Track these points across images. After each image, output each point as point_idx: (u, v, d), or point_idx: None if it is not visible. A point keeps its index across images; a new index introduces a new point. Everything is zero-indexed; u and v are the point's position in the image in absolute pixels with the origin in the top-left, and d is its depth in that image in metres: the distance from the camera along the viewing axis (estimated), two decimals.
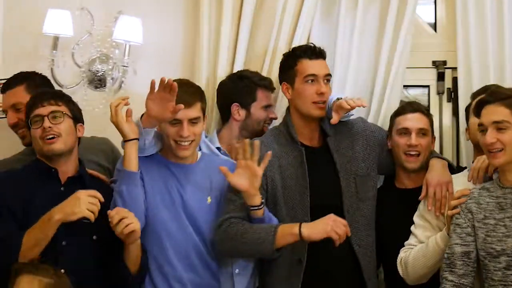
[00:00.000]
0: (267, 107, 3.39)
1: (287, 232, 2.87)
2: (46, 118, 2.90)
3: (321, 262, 3.00)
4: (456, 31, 3.60)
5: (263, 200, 2.93)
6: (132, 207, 2.85)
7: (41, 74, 3.43)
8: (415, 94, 4.52)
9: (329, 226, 2.84)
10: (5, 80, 3.42)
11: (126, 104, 2.90)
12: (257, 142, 2.93)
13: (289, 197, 3.05)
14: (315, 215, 2.95)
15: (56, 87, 3.57)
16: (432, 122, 3.24)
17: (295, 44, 3.46)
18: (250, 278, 3.14)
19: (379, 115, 3.53)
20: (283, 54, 3.25)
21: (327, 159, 3.13)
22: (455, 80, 3.75)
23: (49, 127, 2.89)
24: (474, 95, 3.15)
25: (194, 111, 2.97)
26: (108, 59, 3.68)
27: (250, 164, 2.88)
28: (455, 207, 2.80)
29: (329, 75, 3.17)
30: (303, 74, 3.10)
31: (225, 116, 3.43)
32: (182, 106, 2.87)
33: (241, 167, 2.90)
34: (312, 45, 3.18)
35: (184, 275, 2.97)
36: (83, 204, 2.74)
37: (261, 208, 2.92)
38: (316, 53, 3.14)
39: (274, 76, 3.40)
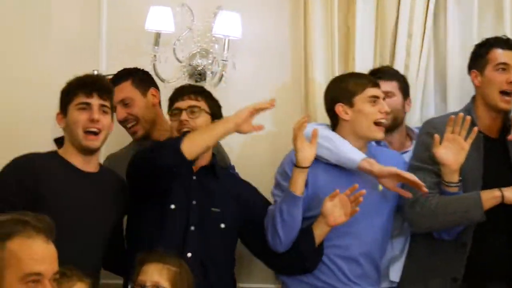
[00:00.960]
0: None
1: (489, 197, 2.92)
2: (184, 111, 2.99)
3: (486, 247, 2.99)
4: None
5: (460, 178, 2.95)
6: (290, 226, 2.92)
7: (143, 69, 3.52)
8: None
9: None
10: (112, 76, 3.50)
11: (304, 121, 2.88)
12: (468, 117, 2.94)
13: (462, 183, 3.01)
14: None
15: (158, 82, 3.65)
16: None
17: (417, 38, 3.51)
18: (402, 263, 3.17)
19: None
20: (475, 44, 3.26)
21: (504, 151, 3.11)
22: None
23: (186, 120, 2.97)
24: None
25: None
26: (208, 53, 3.73)
27: (458, 138, 2.91)
28: None
29: None
30: (494, 62, 3.13)
31: None
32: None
33: (448, 140, 2.92)
34: (505, 37, 3.22)
35: (345, 268, 3.00)
36: None
37: (458, 185, 2.95)
38: (509, 44, 3.17)
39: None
